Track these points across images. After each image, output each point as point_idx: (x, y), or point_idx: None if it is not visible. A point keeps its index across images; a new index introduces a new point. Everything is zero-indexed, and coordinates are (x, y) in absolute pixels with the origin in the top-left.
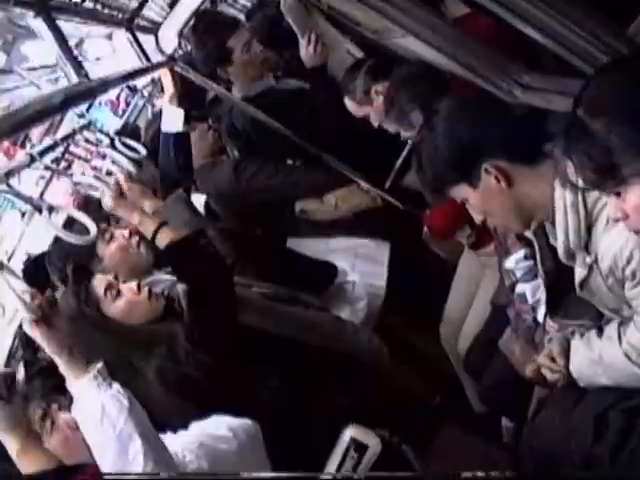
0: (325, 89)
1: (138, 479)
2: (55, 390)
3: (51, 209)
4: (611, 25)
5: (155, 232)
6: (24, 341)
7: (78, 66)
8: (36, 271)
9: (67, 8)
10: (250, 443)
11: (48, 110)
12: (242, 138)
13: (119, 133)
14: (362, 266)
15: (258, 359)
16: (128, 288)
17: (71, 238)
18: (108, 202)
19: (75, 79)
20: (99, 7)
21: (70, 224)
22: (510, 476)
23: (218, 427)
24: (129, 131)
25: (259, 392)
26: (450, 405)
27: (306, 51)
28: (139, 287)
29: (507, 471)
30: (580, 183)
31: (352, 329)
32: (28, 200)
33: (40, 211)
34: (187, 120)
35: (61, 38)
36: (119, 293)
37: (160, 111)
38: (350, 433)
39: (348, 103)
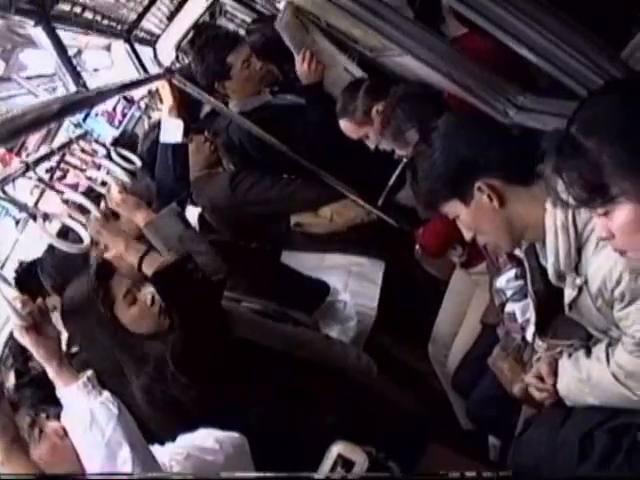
0: (320, 106)
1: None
2: (45, 401)
3: (46, 217)
4: (605, 48)
5: (141, 259)
6: (16, 350)
7: (76, 76)
8: (28, 278)
9: (67, 18)
10: (237, 456)
11: (45, 118)
12: (239, 152)
13: (116, 142)
14: (355, 285)
15: (246, 375)
16: (144, 298)
17: (65, 247)
18: (94, 227)
19: (73, 88)
20: (98, 18)
21: (65, 233)
22: (501, 476)
23: (205, 439)
24: (126, 140)
25: (246, 409)
26: (438, 422)
27: (301, 68)
28: (153, 299)
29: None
30: (570, 201)
31: (340, 348)
32: (23, 207)
33: (34, 219)
34: (185, 132)
35: (60, 47)
36: (135, 300)
37: (157, 122)
38: (337, 449)
39: (345, 125)
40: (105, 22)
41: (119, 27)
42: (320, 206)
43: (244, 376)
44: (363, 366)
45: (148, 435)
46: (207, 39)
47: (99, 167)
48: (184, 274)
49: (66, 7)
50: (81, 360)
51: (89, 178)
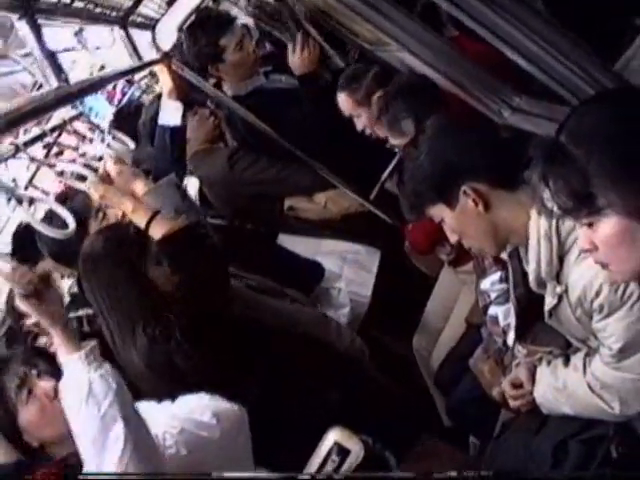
0: (315, 98)
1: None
2: (36, 355)
3: (32, 201)
4: (598, 59)
5: (149, 221)
6: (9, 308)
7: (58, 71)
8: (25, 243)
9: (54, 10)
10: (234, 431)
11: (43, 108)
12: (239, 131)
13: (120, 112)
14: (350, 272)
15: (245, 349)
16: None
17: (50, 232)
18: (96, 190)
19: (55, 84)
20: (91, 6)
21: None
22: (484, 475)
23: (203, 412)
24: (132, 109)
25: (245, 384)
26: (426, 413)
27: (294, 57)
28: None
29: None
30: (555, 210)
31: (336, 327)
32: (9, 191)
33: (20, 202)
34: (190, 105)
35: (42, 43)
36: (161, 262)
37: (160, 94)
38: (334, 436)
39: (343, 98)
40: (98, 10)
41: (114, 14)
42: (315, 191)
43: (243, 350)
44: (357, 349)
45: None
46: (199, 21)
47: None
48: (192, 241)
49: None
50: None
51: (83, 154)
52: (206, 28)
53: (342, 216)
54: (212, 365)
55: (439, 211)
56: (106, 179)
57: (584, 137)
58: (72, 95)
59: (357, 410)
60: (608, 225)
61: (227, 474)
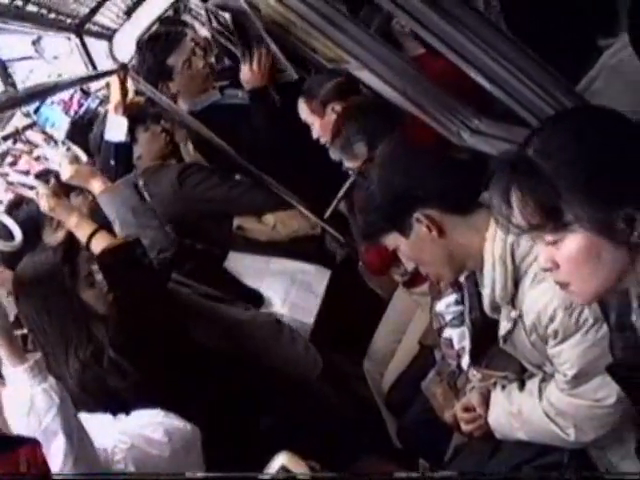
0: (265, 114)
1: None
2: None
3: None
4: (560, 80)
5: (90, 236)
6: None
7: (5, 74)
8: None
9: (6, 12)
10: (185, 450)
11: None
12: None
13: (71, 128)
14: (295, 297)
15: (185, 369)
16: (102, 284)
17: None
18: (45, 202)
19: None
20: (44, 11)
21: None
22: (446, 476)
23: (155, 430)
24: (86, 121)
25: (188, 404)
26: (373, 434)
27: (246, 73)
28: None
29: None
30: (513, 228)
31: (289, 335)
32: None
33: None
34: (143, 121)
35: None
36: (93, 284)
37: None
38: (281, 460)
39: (300, 104)
40: (52, 16)
41: (69, 21)
42: (265, 212)
43: (182, 369)
44: (310, 359)
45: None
46: (147, 41)
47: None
48: (131, 258)
49: (4, 0)
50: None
51: (37, 158)
52: (154, 48)
53: (290, 239)
54: (150, 383)
55: (393, 240)
56: (57, 192)
57: (553, 152)
58: (20, 100)
59: (303, 432)
60: (574, 241)
61: (200, 474)
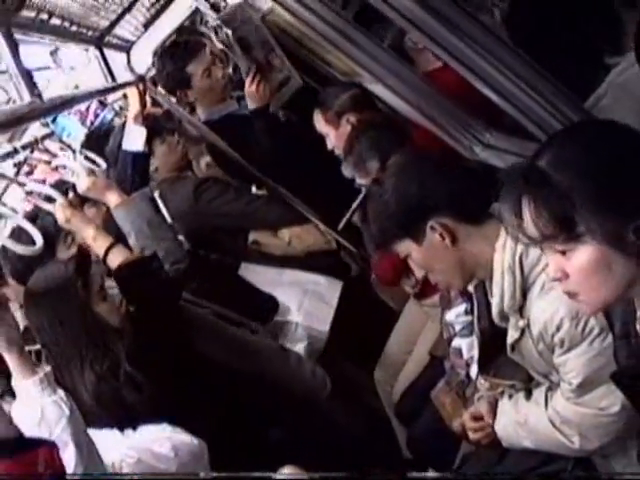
0: (268, 133)
1: None
2: None
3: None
4: (569, 96)
5: (107, 250)
6: None
7: (31, 84)
8: None
9: (31, 25)
10: (191, 465)
11: (14, 120)
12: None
13: (88, 138)
14: (309, 305)
15: (195, 385)
16: (115, 298)
17: (17, 248)
18: (62, 214)
19: (28, 98)
20: (67, 24)
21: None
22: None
23: (162, 444)
24: (103, 132)
25: (198, 417)
26: (382, 448)
27: (249, 89)
28: (122, 300)
29: None
30: (529, 236)
31: (296, 359)
32: None
33: None
34: (159, 133)
35: (17, 57)
36: (106, 297)
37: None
38: (286, 473)
39: (315, 115)
40: (74, 28)
41: (90, 33)
42: (280, 227)
43: (192, 383)
44: (317, 382)
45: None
46: (168, 48)
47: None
48: (148, 273)
49: (31, 14)
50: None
51: (55, 168)
52: (173, 55)
53: (306, 254)
54: (166, 397)
55: (406, 247)
56: (74, 204)
57: (567, 164)
58: (44, 111)
59: (310, 448)
60: (585, 252)
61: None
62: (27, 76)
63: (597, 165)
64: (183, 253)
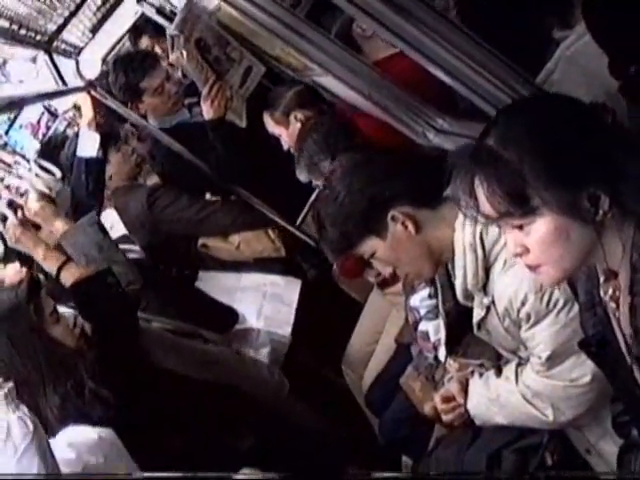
0: (223, 144)
1: None
2: None
3: None
4: (520, 72)
5: (60, 269)
6: None
7: None
8: None
9: None
10: (99, 458)
11: None
12: (161, 166)
13: (42, 149)
14: (269, 309)
15: (159, 400)
16: (68, 320)
17: None
18: (12, 233)
19: None
20: (15, 27)
21: None
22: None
23: (63, 449)
24: (56, 143)
25: (162, 434)
26: (355, 442)
27: (205, 102)
28: (75, 322)
29: None
30: (480, 218)
31: (252, 363)
32: None
33: None
34: (115, 141)
35: None
36: (59, 320)
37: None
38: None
39: (265, 118)
40: (23, 32)
41: (38, 37)
42: (234, 232)
43: (158, 401)
44: (274, 383)
45: None
46: (122, 60)
47: (19, 177)
48: (104, 286)
49: None
50: None
51: (7, 187)
52: (127, 69)
53: (255, 259)
54: (128, 413)
55: (370, 246)
56: (24, 223)
57: (514, 140)
58: None
59: (272, 452)
60: (542, 225)
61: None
62: None
63: (544, 138)
64: (136, 274)
